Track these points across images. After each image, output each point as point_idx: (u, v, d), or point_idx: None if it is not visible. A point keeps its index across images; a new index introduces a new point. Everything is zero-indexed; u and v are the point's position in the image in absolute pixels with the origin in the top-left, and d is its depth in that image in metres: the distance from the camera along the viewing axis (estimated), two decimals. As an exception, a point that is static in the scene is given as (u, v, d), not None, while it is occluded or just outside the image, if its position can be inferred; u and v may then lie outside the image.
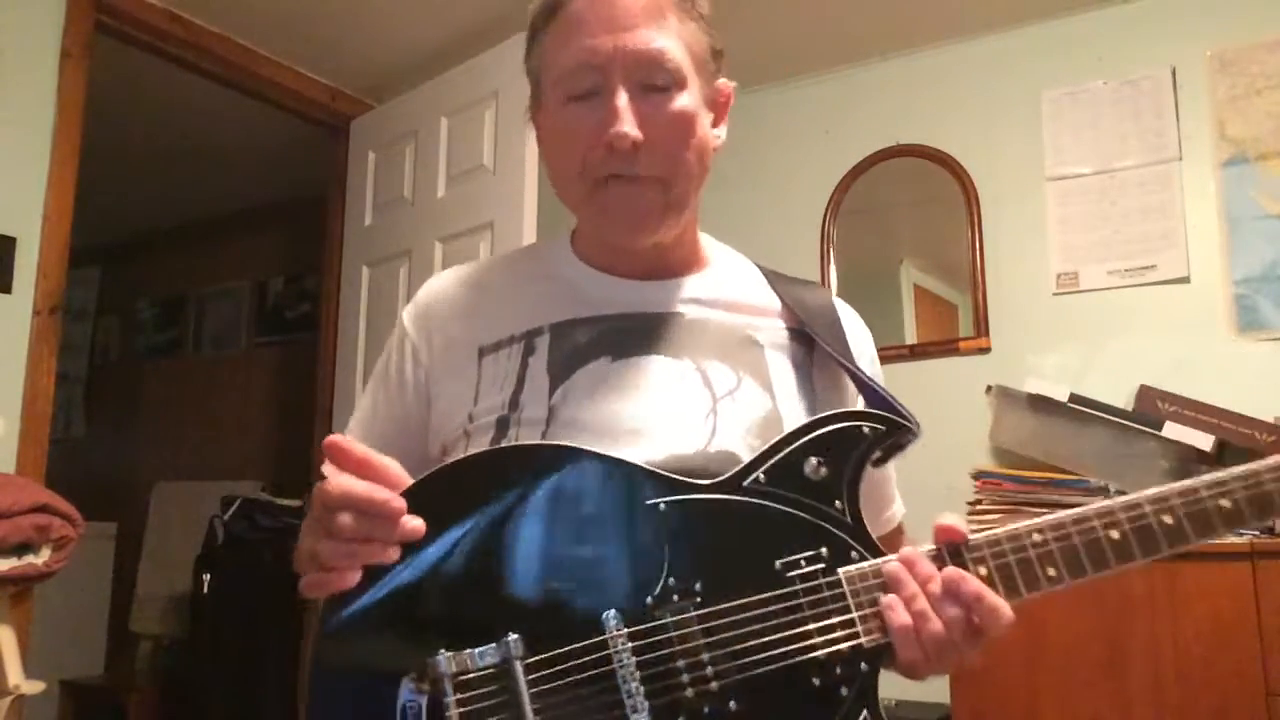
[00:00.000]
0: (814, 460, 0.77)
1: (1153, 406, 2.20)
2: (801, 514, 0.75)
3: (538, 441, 0.82)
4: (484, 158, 2.59)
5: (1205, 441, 2.06)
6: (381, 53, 2.86)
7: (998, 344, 2.55)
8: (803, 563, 0.74)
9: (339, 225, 3.09)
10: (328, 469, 0.70)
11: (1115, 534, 0.75)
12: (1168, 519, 0.75)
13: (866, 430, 0.78)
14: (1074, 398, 2.22)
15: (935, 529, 0.76)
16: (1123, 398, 2.27)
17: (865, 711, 0.70)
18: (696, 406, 0.83)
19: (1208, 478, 0.77)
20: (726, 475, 0.77)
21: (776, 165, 2.92)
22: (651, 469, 0.77)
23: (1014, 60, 2.64)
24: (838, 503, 0.76)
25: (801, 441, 0.78)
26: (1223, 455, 2.07)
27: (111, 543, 3.98)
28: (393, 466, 0.72)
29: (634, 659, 0.68)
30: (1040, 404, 2.26)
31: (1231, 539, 1.84)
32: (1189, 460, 2.06)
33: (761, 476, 0.76)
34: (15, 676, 1.86)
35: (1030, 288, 2.52)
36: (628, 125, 0.81)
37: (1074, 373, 2.39)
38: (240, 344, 4.29)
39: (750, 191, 2.90)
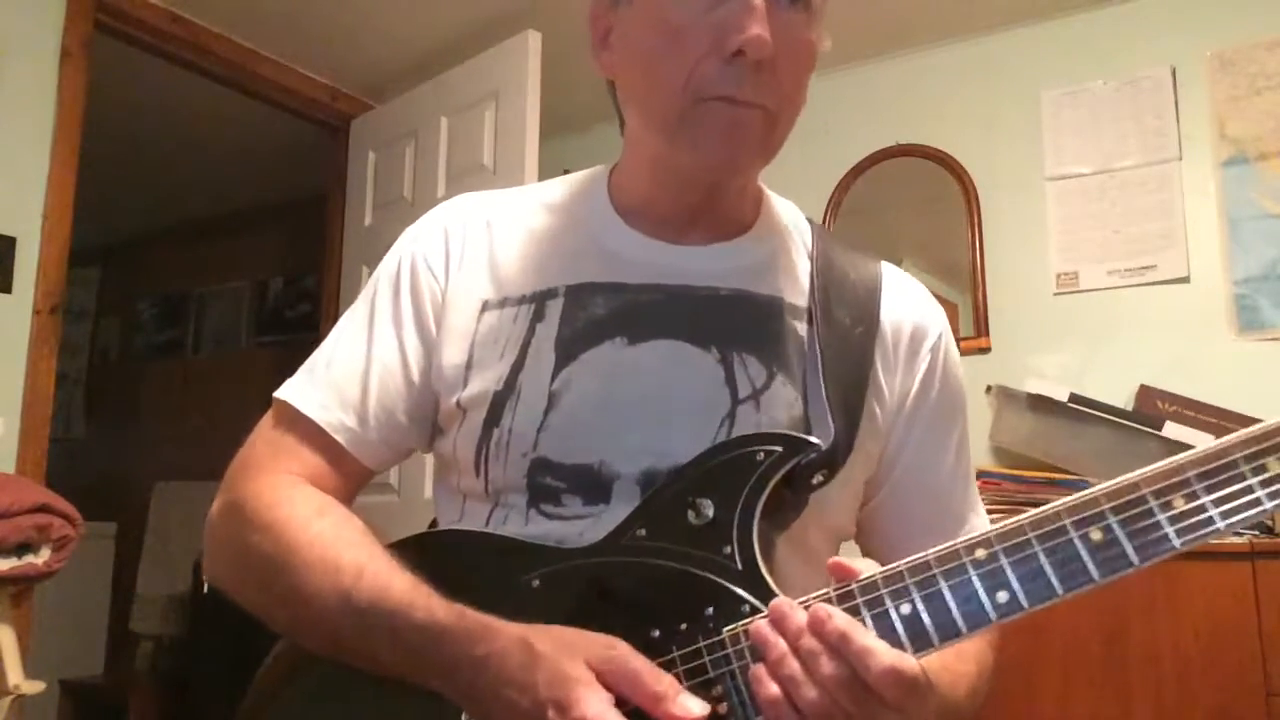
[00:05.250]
0: (698, 503, 0.66)
1: (1153, 406, 2.19)
2: (686, 568, 0.65)
3: (421, 532, 0.77)
4: (484, 158, 2.59)
5: (1206, 441, 2.06)
6: (381, 52, 2.86)
7: (998, 344, 2.55)
8: (683, 626, 0.63)
9: (339, 225, 3.09)
10: (593, 694, 0.57)
11: (1097, 534, 0.56)
12: (1180, 503, 0.55)
13: (761, 455, 0.67)
14: (1074, 398, 2.22)
15: (829, 568, 0.62)
16: (1123, 398, 2.27)
17: None
18: (712, 409, 0.73)
19: (1240, 434, 0.57)
20: (606, 535, 0.69)
21: (776, 165, 2.91)
22: (526, 541, 0.70)
23: (1014, 60, 2.64)
24: (727, 548, 0.65)
25: (684, 482, 0.68)
26: (1223, 455, 2.07)
27: (111, 543, 3.98)
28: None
29: None
30: (1040, 404, 2.26)
31: (1231, 539, 1.84)
32: (1189, 460, 2.06)
33: (641, 531, 0.67)
34: (15, 676, 1.85)
35: (1030, 288, 2.52)
36: (764, 30, 0.67)
37: (1074, 373, 2.39)
38: (240, 344, 4.29)
39: (750, 191, 2.90)
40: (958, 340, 2.82)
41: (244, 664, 0.81)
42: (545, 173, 2.51)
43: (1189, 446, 0.59)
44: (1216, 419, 2.09)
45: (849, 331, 0.77)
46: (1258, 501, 0.54)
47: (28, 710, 2.06)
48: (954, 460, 0.83)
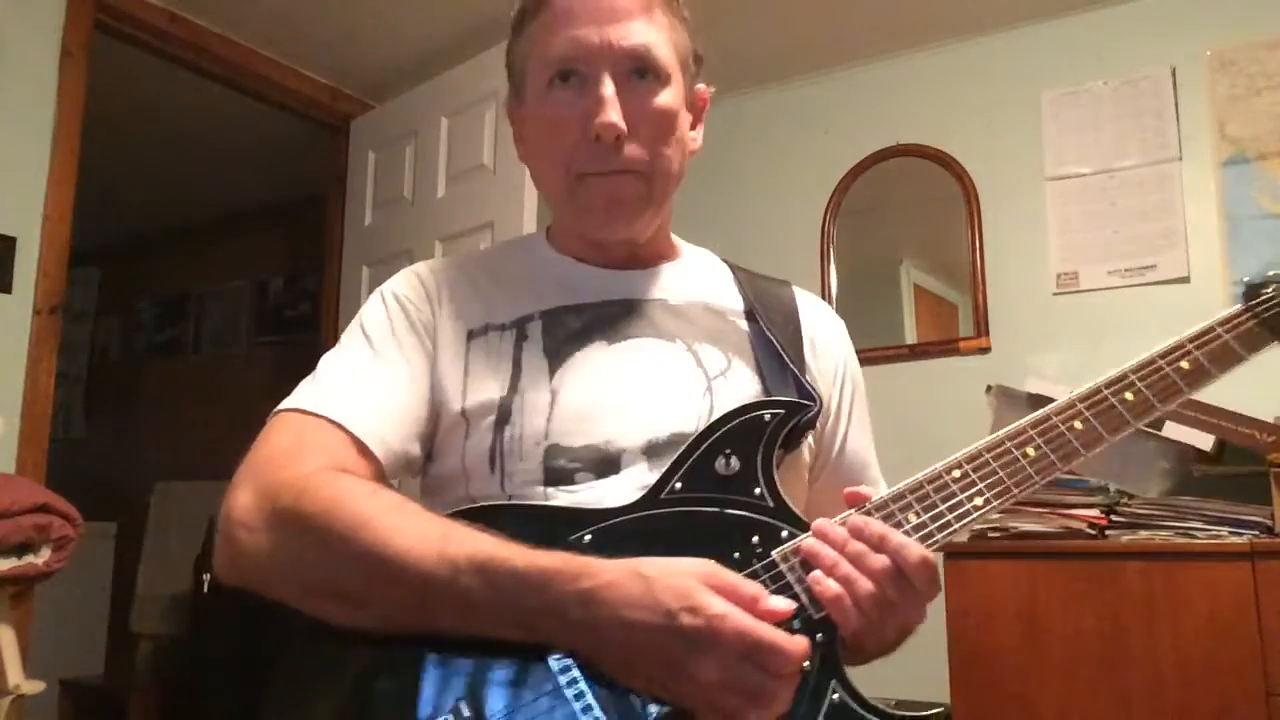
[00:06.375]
0: (724, 456, 0.78)
1: (1153, 406, 2.19)
2: (725, 510, 0.76)
3: (461, 509, 0.80)
4: (484, 157, 2.59)
5: (1205, 441, 2.06)
6: (381, 53, 2.86)
7: (998, 344, 2.55)
8: (735, 555, 0.73)
9: (339, 225, 3.09)
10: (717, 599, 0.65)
11: (1031, 450, 0.77)
12: (1078, 424, 0.79)
13: (768, 417, 0.80)
14: (1074, 398, 2.22)
15: (845, 497, 0.76)
16: (1123, 398, 2.27)
17: (834, 680, 0.69)
18: (692, 385, 0.85)
19: (1118, 370, 0.82)
20: (643, 494, 0.77)
21: (776, 165, 2.92)
22: (567, 507, 0.77)
23: (1014, 60, 2.64)
24: (757, 489, 0.77)
25: (708, 442, 0.79)
26: (1223, 455, 2.07)
27: (111, 543, 3.98)
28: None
29: (587, 687, 0.66)
30: (1040, 404, 2.25)
31: (1231, 539, 1.84)
32: (1189, 460, 2.06)
33: (678, 485, 0.77)
34: (15, 676, 1.85)
35: (1030, 288, 2.52)
36: (614, 115, 0.82)
37: (1074, 373, 2.38)
38: (240, 344, 4.29)
39: (751, 191, 2.90)
40: (958, 340, 2.82)
41: (244, 664, 0.81)
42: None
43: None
44: (1216, 419, 2.09)
45: (786, 329, 0.93)
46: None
47: (28, 710, 2.06)
48: (868, 437, 1.00)
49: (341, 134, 3.12)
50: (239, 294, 4.34)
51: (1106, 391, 0.80)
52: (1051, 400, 0.85)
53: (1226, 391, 2.15)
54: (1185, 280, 2.34)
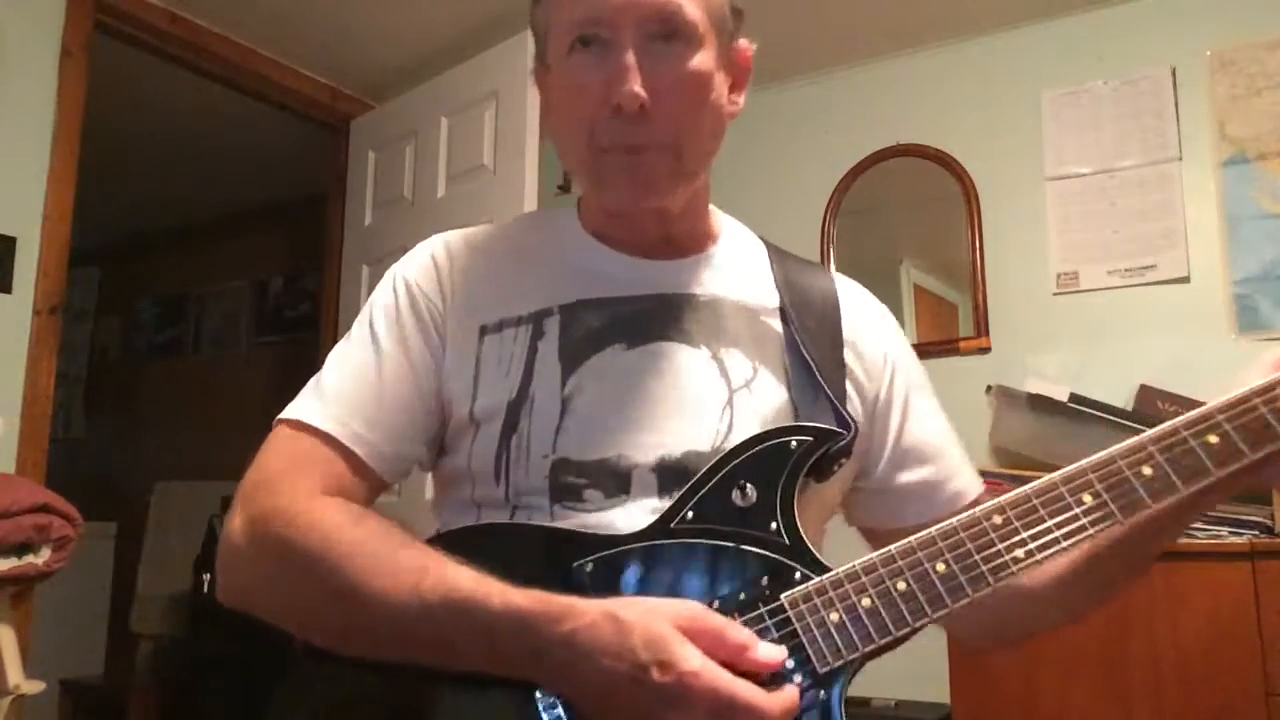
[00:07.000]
0: (741, 487, 0.73)
1: (1153, 406, 2.19)
2: (736, 545, 0.71)
3: (463, 525, 0.79)
4: (484, 157, 2.59)
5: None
6: (381, 53, 2.86)
7: (998, 344, 2.55)
8: (742, 596, 0.69)
9: (339, 225, 3.09)
10: (690, 649, 0.62)
11: (1088, 498, 0.69)
12: (1147, 470, 0.70)
13: (794, 444, 0.74)
14: (1074, 398, 2.22)
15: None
16: (1123, 398, 2.27)
17: None
18: (712, 399, 0.80)
19: (1183, 418, 0.71)
20: (654, 520, 0.73)
21: (776, 165, 2.92)
22: (571, 531, 0.74)
23: (1014, 60, 2.64)
24: (773, 525, 0.72)
25: (725, 470, 0.74)
26: (1223, 455, 2.07)
27: (111, 543, 3.98)
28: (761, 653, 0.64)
29: None
30: (1040, 404, 2.26)
31: (1231, 539, 1.84)
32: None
33: (689, 514, 0.73)
34: (15, 676, 1.85)
35: (1030, 288, 2.52)
36: (636, 84, 0.76)
37: (1074, 373, 2.39)
38: (240, 344, 4.29)
39: (750, 191, 2.89)
40: (958, 340, 2.81)
41: (244, 664, 0.81)
42: (545, 173, 2.52)
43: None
44: (1216, 419, 2.09)
45: (821, 332, 0.86)
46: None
47: (28, 710, 2.06)
48: (936, 425, 0.93)
49: (341, 134, 3.12)
50: (239, 294, 4.34)
51: (1186, 433, 0.71)
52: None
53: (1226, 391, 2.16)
54: (1185, 280, 2.34)
